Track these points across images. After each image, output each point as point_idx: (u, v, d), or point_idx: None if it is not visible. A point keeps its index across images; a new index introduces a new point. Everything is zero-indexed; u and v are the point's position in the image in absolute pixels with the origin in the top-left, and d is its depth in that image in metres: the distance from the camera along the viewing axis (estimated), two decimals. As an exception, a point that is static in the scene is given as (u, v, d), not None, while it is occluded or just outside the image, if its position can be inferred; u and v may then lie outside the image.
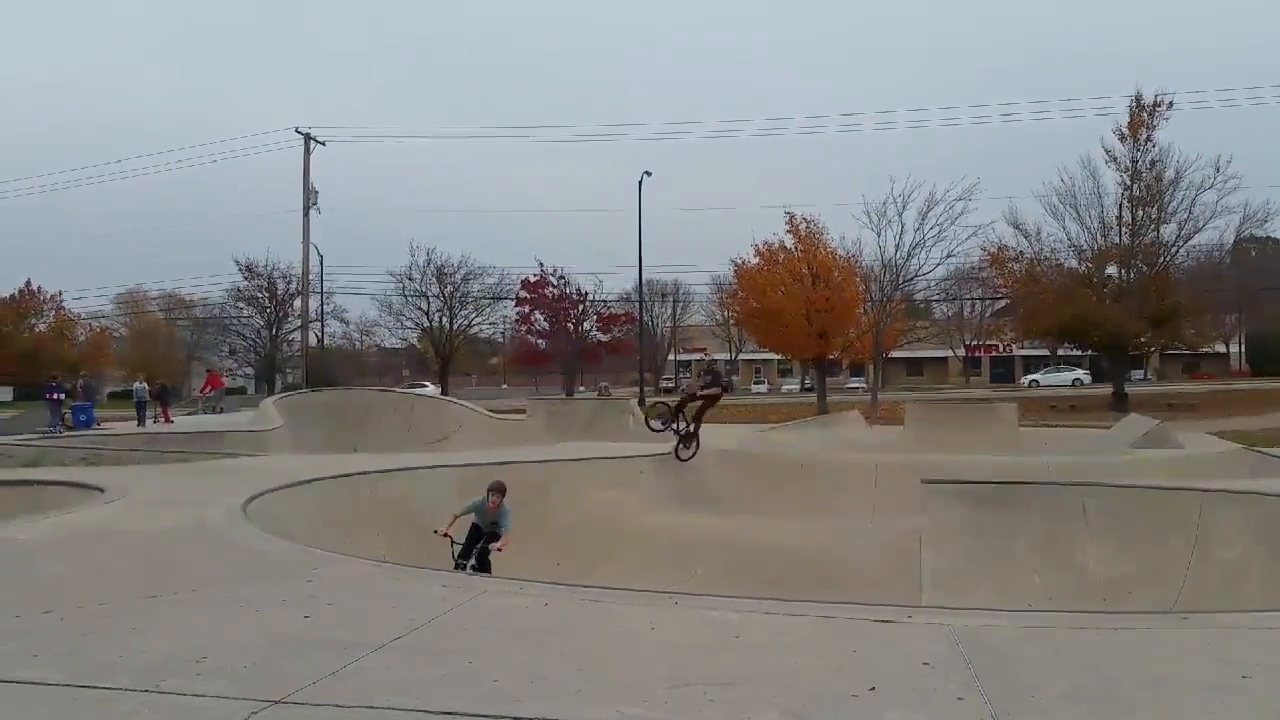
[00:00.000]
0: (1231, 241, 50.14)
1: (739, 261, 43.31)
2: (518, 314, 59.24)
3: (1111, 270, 46.01)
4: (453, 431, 25.29)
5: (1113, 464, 15.58)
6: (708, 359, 39.45)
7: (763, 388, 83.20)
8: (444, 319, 61.70)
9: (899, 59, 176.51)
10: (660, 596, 6.42)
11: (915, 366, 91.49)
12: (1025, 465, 15.22)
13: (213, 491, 10.42)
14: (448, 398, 33.95)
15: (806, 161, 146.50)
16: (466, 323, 63.55)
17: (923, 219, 41.05)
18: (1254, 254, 66.27)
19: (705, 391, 17.23)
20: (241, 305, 71.83)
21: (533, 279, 56.72)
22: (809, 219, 41.74)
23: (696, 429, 16.83)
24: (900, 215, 41.29)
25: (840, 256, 42.33)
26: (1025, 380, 67.86)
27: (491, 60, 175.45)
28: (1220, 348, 78.54)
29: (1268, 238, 61.31)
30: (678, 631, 5.27)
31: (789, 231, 41.68)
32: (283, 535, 8.35)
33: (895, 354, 67.28)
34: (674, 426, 16.83)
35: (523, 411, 28.69)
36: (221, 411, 33.63)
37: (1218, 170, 42.13)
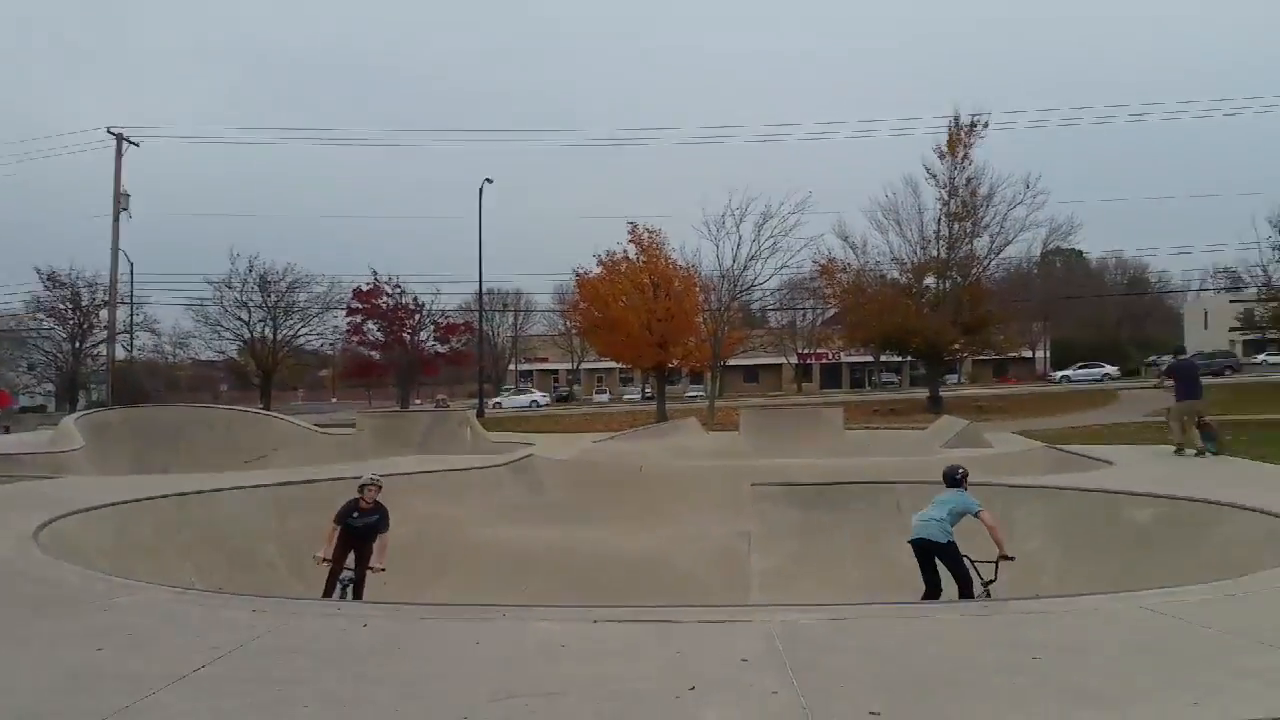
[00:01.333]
0: (1039, 254, 54.46)
1: (581, 271, 43.44)
2: (349, 324, 57.06)
3: (930, 281, 48.82)
4: (274, 449, 24.22)
5: (926, 463, 16.50)
6: None
7: (604, 397, 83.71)
8: (267, 330, 59.07)
9: (748, 73, 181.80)
10: (487, 610, 6.36)
11: (751, 374, 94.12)
12: (848, 467, 15.90)
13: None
14: (270, 413, 32.45)
15: (650, 171, 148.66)
16: (292, 334, 60.98)
17: (759, 231, 43.23)
18: (1059, 265, 71.84)
19: None
20: (41, 316, 66.51)
21: (365, 288, 54.85)
22: (651, 229, 42.41)
23: None
24: (738, 227, 43.40)
25: (681, 266, 43.34)
26: (1058, 376, 69.71)
27: (326, 65, 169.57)
28: (1027, 353, 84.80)
29: (1072, 250, 66.69)
30: (504, 645, 5.24)
31: (631, 241, 42.20)
32: (80, 564, 7.80)
33: (732, 362, 69.14)
34: None
35: (353, 426, 27.80)
36: (9, 431, 31.25)
37: (1027, 187, 45.57)
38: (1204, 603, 5.86)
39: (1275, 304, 45.44)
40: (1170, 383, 15.78)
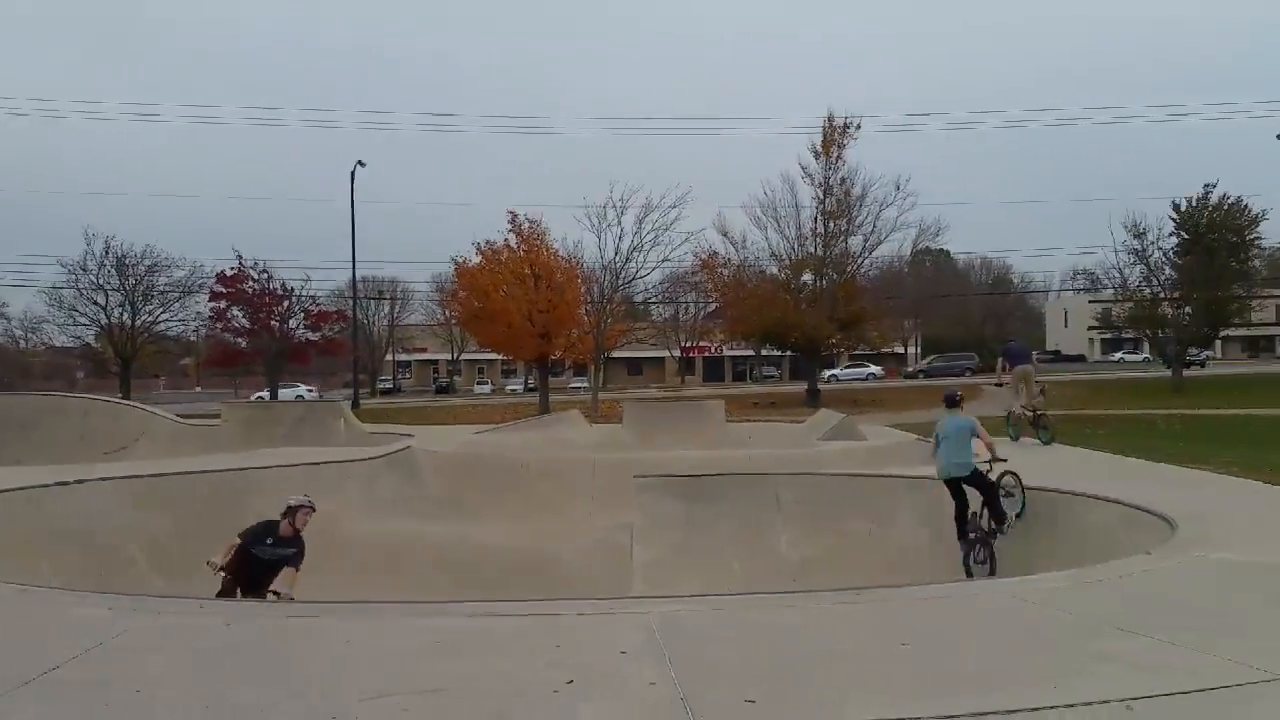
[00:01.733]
0: (909, 253, 56.44)
1: (460, 260, 42.65)
2: (212, 310, 54.53)
3: (807, 277, 49.98)
4: (134, 440, 23.05)
5: (804, 456, 16.89)
6: None
7: (486, 388, 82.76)
8: (125, 315, 56.06)
9: (642, 67, 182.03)
10: (363, 607, 6.21)
11: (635, 366, 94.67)
12: (729, 459, 16.14)
13: None
14: (130, 402, 30.84)
15: (533, 160, 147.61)
16: (152, 319, 58.02)
17: (640, 224, 43.45)
18: (928, 265, 74.68)
19: None
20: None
21: (230, 272, 52.58)
22: (531, 219, 41.99)
23: None
24: (619, 219, 43.46)
25: (563, 258, 43.17)
26: (826, 375, 70.62)
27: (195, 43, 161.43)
28: (899, 348, 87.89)
29: (941, 250, 69.45)
30: (379, 642, 5.10)
31: (512, 231, 41.68)
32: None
33: (616, 354, 69.37)
34: None
35: (218, 417, 26.71)
36: None
37: (898, 189, 47.15)
38: (1064, 589, 6.11)
39: (1131, 304, 47.91)
40: (1007, 377, 17.18)
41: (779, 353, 65.84)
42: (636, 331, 66.28)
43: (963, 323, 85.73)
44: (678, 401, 36.67)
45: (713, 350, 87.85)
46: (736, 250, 49.03)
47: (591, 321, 44.16)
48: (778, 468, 13.64)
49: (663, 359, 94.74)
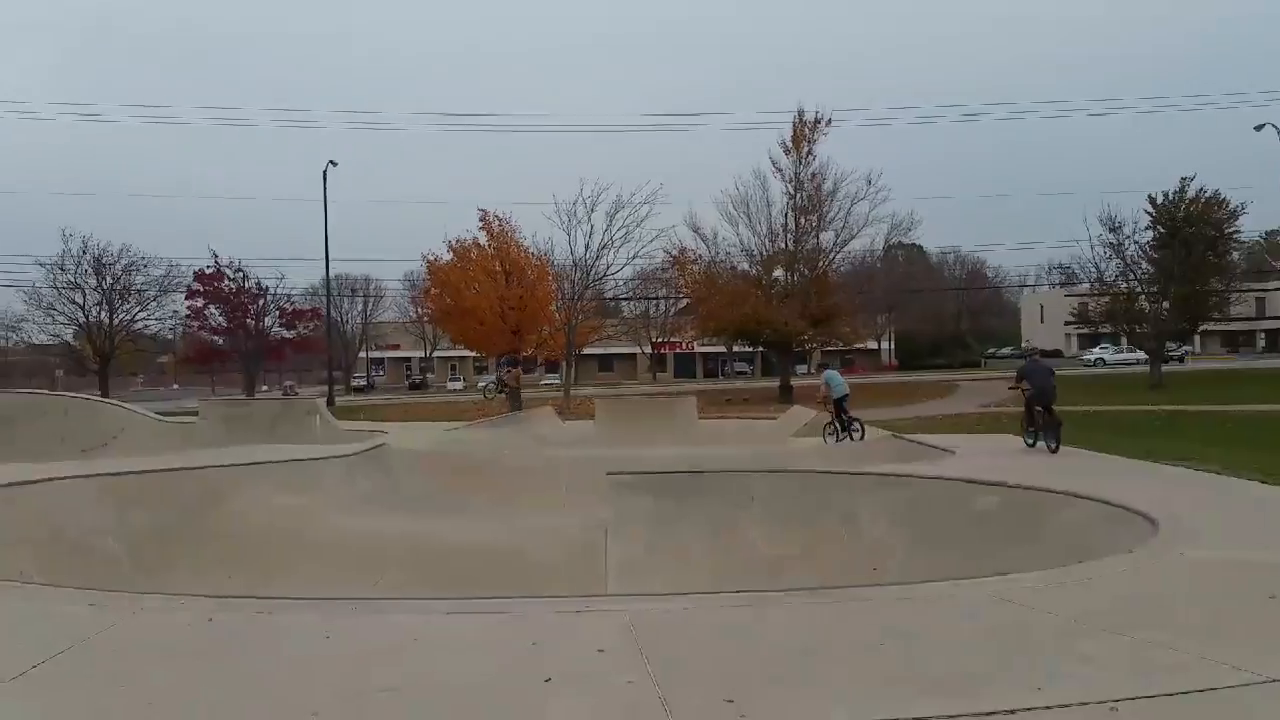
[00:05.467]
0: (882, 248, 56.06)
1: (432, 257, 42.25)
2: (189, 308, 53.97)
3: (778, 273, 49.76)
4: (113, 437, 22.73)
5: (777, 452, 16.93)
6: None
7: (459, 385, 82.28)
8: (103, 314, 55.27)
9: (611, 63, 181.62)
10: (338, 604, 6.13)
11: (607, 363, 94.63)
12: (702, 456, 16.16)
13: None
14: (109, 400, 30.46)
15: (506, 158, 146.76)
16: (129, 318, 57.27)
17: (611, 220, 43.24)
18: (901, 259, 74.69)
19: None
20: None
21: (207, 271, 52.01)
22: (501, 217, 41.62)
23: None
24: (590, 216, 43.29)
25: (533, 255, 42.85)
26: (1092, 357, 67.31)
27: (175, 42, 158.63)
28: (872, 344, 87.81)
29: (913, 245, 69.22)
30: (354, 640, 5.05)
31: (482, 228, 41.34)
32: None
33: (588, 351, 69.20)
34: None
35: (195, 414, 26.39)
36: None
37: (869, 183, 46.84)
38: (1045, 589, 6.01)
39: (1107, 299, 47.15)
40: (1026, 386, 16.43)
41: (751, 349, 65.74)
42: (608, 328, 66.12)
43: (936, 318, 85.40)
44: (650, 398, 36.67)
45: (684, 346, 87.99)
46: (708, 246, 48.70)
47: (563, 318, 43.90)
48: (752, 465, 13.59)
49: (634, 355, 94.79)
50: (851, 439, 18.82)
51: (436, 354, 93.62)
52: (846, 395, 19.75)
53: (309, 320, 55.86)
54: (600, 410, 27.95)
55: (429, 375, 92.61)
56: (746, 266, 50.01)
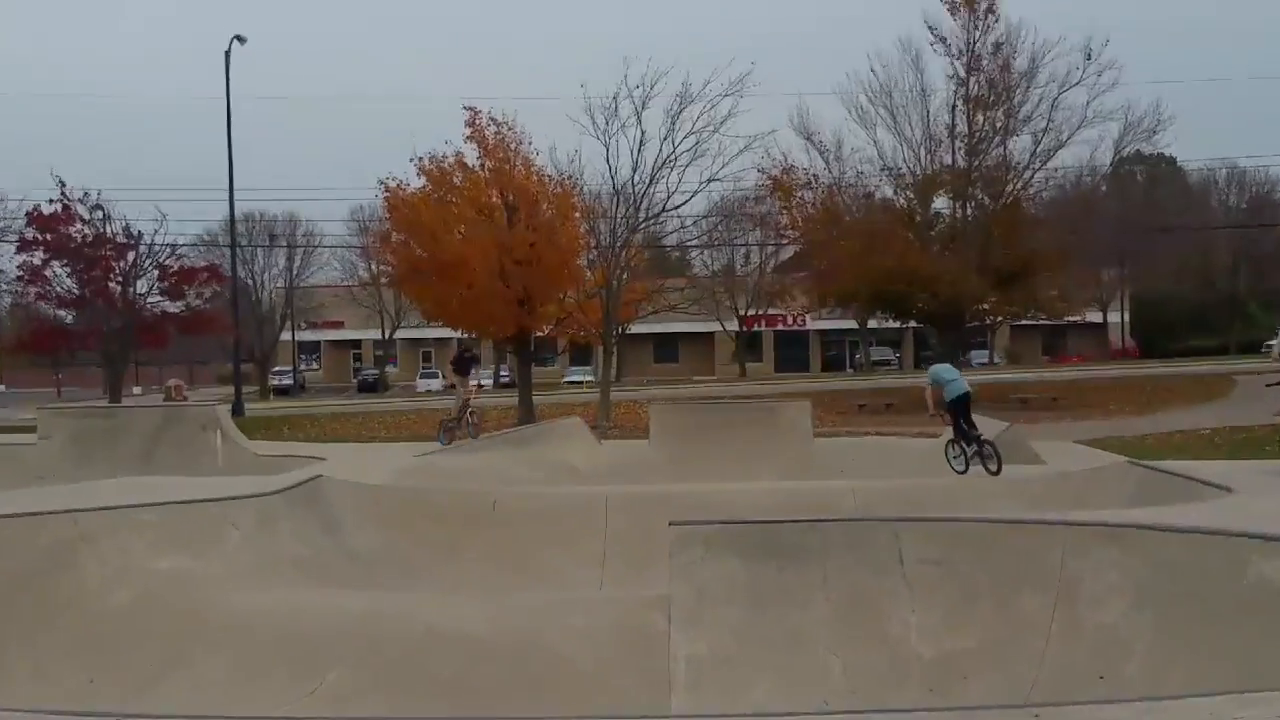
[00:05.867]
0: (1109, 163, 53.55)
1: (394, 183, 40.43)
2: (21, 267, 54.41)
3: (941, 204, 49.77)
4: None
5: (941, 489, 16.82)
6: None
7: (435, 383, 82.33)
8: None
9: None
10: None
11: (668, 347, 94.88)
12: (819, 493, 16.09)
13: None
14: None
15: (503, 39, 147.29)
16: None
17: (673, 124, 41.64)
18: (1142, 180, 73.00)
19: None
20: None
21: (48, 209, 52.36)
22: (500, 120, 40.81)
23: None
24: (639, 118, 41.61)
25: (551, 179, 42.07)
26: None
27: None
28: (1095, 315, 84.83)
29: (1160, 155, 66.27)
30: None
31: (470, 137, 40.38)
32: None
33: (637, 329, 69.56)
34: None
35: (33, 429, 27.09)
36: None
37: (1089, 57, 45.72)
38: None
39: None
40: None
41: (898, 324, 65.13)
42: (668, 293, 66.08)
43: (1198, 272, 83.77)
44: (737, 403, 36.67)
45: (791, 321, 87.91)
46: (828, 163, 48.39)
47: (598, 278, 43.46)
48: (901, 510, 13.53)
49: (711, 335, 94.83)
50: (986, 468, 18.58)
51: (400, 335, 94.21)
52: (968, 395, 19.42)
53: (205, 283, 56.44)
54: (658, 422, 28.03)
55: (389, 369, 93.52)
56: (890, 193, 50.00)
